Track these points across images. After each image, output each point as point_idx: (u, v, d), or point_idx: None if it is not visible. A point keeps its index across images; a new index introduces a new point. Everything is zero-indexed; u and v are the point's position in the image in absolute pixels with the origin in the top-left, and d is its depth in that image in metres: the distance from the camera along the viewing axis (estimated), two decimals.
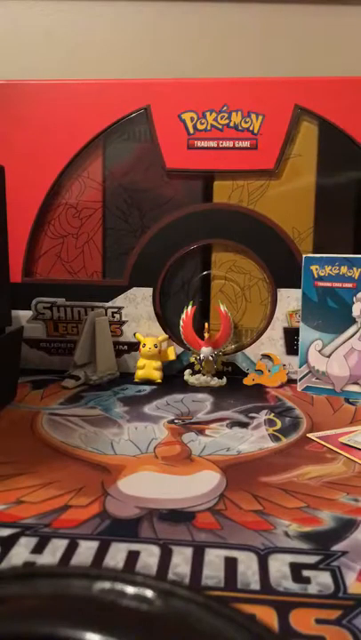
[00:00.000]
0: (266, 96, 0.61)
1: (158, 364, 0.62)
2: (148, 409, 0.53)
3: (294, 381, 0.62)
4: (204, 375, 0.62)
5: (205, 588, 0.26)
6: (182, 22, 0.78)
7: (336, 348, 0.58)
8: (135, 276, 0.65)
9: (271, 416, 0.51)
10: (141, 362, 0.62)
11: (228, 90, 0.62)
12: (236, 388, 0.61)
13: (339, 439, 0.45)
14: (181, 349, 0.65)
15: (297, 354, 0.62)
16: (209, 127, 0.62)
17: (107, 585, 0.16)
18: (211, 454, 0.42)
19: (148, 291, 0.65)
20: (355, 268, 0.56)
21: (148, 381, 0.62)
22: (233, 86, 0.62)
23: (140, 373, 0.62)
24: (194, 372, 0.63)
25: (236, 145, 0.62)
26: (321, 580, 0.27)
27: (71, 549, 0.29)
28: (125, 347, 0.66)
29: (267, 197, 0.63)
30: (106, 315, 0.65)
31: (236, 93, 0.62)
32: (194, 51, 0.79)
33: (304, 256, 0.59)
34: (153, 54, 0.79)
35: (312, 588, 0.26)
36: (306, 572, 0.28)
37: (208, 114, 0.62)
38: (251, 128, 0.62)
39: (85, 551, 0.29)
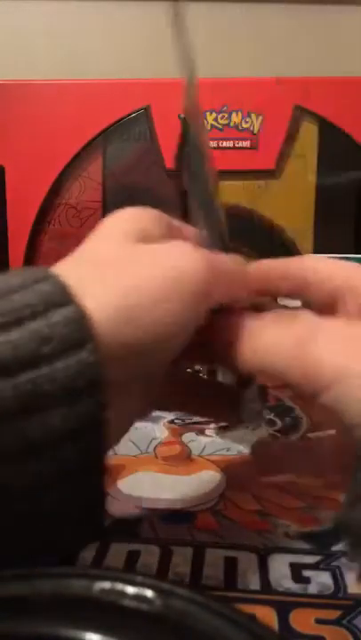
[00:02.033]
0: (266, 96, 0.61)
1: None
2: None
3: None
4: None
5: (206, 587, 0.26)
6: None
7: None
8: None
9: (271, 416, 0.51)
10: None
11: (229, 90, 0.62)
12: None
13: None
14: None
15: None
16: (209, 127, 0.62)
17: (107, 585, 0.16)
18: (211, 454, 0.42)
19: None
20: None
21: None
22: (233, 86, 0.61)
23: None
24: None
25: (236, 145, 0.62)
26: (321, 580, 0.27)
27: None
28: None
29: (267, 197, 0.63)
30: None
31: (236, 93, 0.61)
32: (194, 51, 0.79)
33: None
34: (153, 54, 0.79)
35: (312, 588, 0.26)
36: (306, 572, 0.28)
37: (208, 114, 0.62)
38: (251, 128, 0.61)
39: (85, 551, 0.29)
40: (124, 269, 0.22)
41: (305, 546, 0.30)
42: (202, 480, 0.38)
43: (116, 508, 0.34)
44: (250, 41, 0.78)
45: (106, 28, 0.79)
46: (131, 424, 0.25)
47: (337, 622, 0.24)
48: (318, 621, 0.24)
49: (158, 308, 0.21)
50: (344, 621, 0.24)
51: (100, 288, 0.21)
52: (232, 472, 0.38)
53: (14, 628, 0.15)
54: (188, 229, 0.27)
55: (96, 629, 0.14)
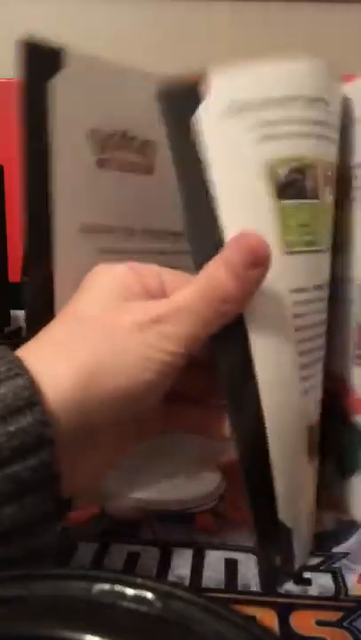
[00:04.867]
0: None
1: None
2: None
3: None
4: None
5: (206, 589, 0.26)
6: (182, 21, 0.78)
7: None
8: None
9: None
10: None
11: None
12: None
13: None
14: None
15: None
16: None
17: (106, 587, 0.16)
18: None
19: None
20: None
21: None
22: None
23: None
24: None
25: None
26: (322, 582, 0.27)
27: (70, 551, 0.29)
28: None
29: None
30: None
31: None
32: (193, 49, 0.79)
33: None
34: (153, 54, 0.79)
35: (313, 590, 0.26)
36: (307, 574, 0.27)
37: None
38: None
39: (84, 552, 0.29)
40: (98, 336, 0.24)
41: None
42: (202, 481, 0.37)
43: (115, 509, 0.33)
44: (251, 39, 0.78)
45: (105, 27, 0.79)
46: (100, 474, 0.27)
47: (338, 624, 0.24)
48: (319, 623, 0.24)
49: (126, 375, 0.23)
50: (345, 623, 0.24)
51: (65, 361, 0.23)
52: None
53: (13, 630, 0.15)
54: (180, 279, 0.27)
55: (95, 631, 0.14)
